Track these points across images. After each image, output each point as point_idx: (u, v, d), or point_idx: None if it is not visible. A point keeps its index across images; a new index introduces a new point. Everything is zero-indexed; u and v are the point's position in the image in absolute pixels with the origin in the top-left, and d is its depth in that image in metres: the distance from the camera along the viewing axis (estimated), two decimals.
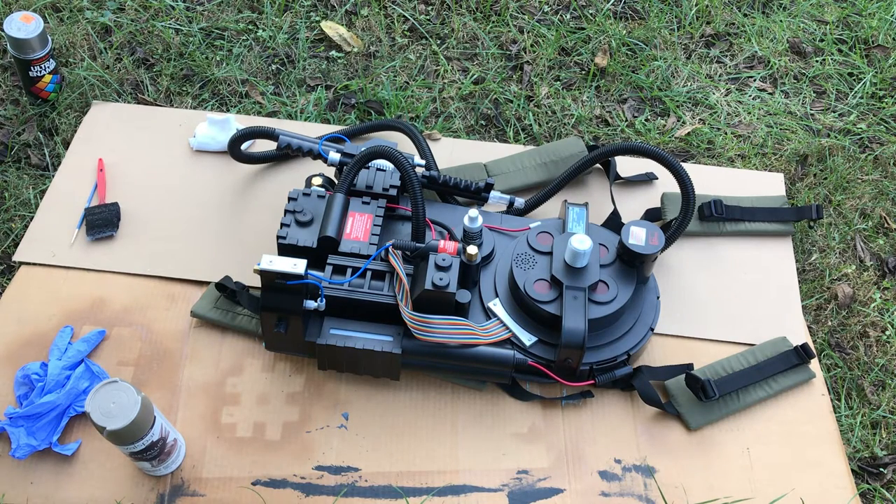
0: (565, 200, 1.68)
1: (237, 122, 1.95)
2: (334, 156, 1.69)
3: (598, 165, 1.87)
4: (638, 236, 1.55)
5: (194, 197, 1.84)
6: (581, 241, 1.50)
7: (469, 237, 1.59)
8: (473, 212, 1.57)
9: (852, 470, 1.55)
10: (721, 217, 1.80)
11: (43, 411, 1.47)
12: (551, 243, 1.59)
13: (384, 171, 1.66)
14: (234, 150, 1.78)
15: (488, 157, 1.90)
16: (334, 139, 1.81)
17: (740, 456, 1.54)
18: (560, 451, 1.54)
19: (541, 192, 1.80)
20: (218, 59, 2.14)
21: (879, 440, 1.60)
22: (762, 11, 2.34)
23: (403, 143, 1.85)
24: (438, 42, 2.23)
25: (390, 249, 1.51)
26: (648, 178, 1.89)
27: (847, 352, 1.72)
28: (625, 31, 2.25)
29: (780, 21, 2.30)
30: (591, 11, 2.31)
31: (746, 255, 1.80)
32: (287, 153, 1.81)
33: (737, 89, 2.15)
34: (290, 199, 1.59)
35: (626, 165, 1.89)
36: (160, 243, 1.76)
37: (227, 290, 1.61)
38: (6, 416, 1.47)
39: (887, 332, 1.73)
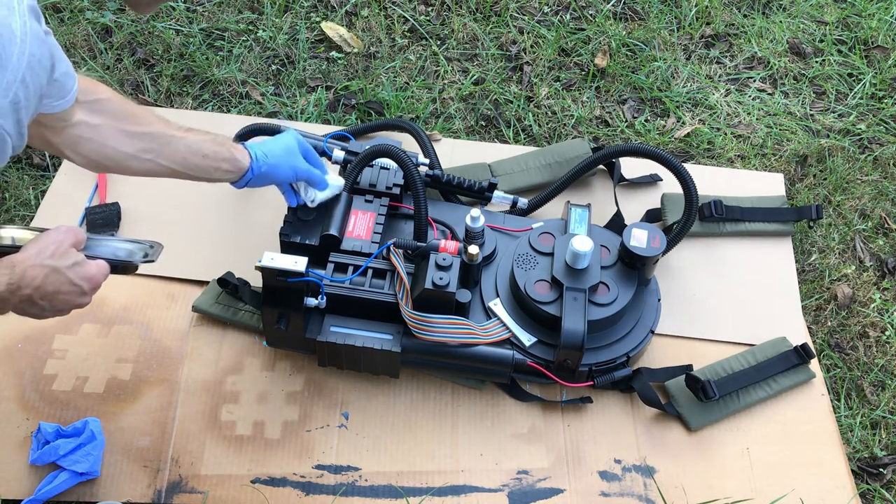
0: (568, 201, 1.69)
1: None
2: (338, 153, 1.69)
3: (602, 167, 1.87)
4: (639, 238, 1.55)
5: (194, 197, 1.84)
6: (582, 243, 1.50)
7: (471, 237, 1.59)
8: (475, 211, 1.58)
9: (852, 470, 1.55)
10: (721, 217, 1.80)
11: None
12: (553, 244, 1.59)
13: (388, 169, 1.67)
14: None
15: (488, 157, 1.91)
16: (339, 137, 1.81)
17: (740, 456, 1.54)
18: (560, 451, 1.54)
19: (544, 192, 1.80)
20: (218, 59, 2.14)
21: (879, 440, 1.60)
22: (762, 12, 2.34)
23: (408, 143, 1.85)
24: (438, 43, 2.23)
25: (391, 248, 1.52)
26: (653, 180, 1.89)
27: (847, 352, 1.72)
28: (625, 32, 2.26)
29: (780, 22, 2.30)
30: (590, 12, 2.31)
31: (746, 256, 1.80)
32: None
33: (736, 90, 2.16)
34: None
35: (631, 167, 1.89)
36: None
37: (230, 286, 1.61)
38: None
39: (887, 333, 1.73)
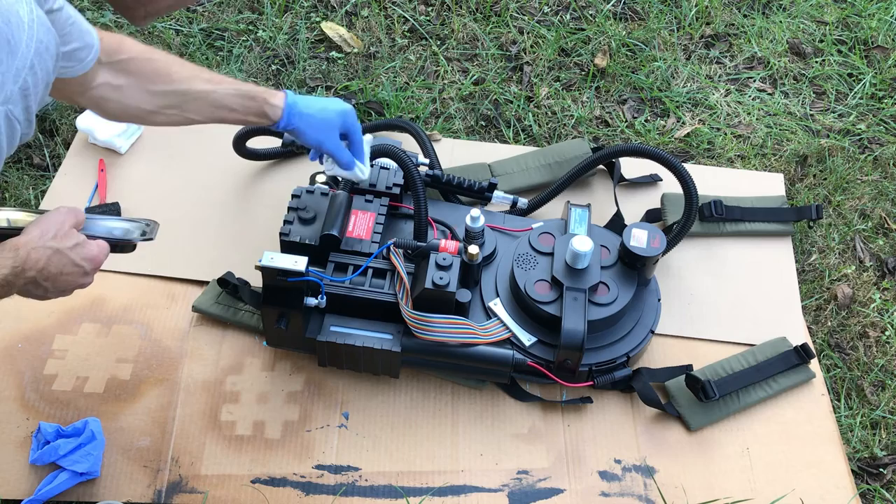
0: (568, 201, 1.69)
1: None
2: None
3: (602, 167, 1.87)
4: (639, 238, 1.55)
5: (194, 197, 1.84)
6: (582, 243, 1.50)
7: (471, 237, 1.59)
8: (475, 211, 1.58)
9: (852, 470, 1.55)
10: (721, 217, 1.80)
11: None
12: (553, 244, 1.59)
13: (388, 169, 1.67)
14: (240, 146, 1.78)
15: (489, 157, 1.91)
16: None
17: (740, 456, 1.54)
18: (560, 451, 1.54)
19: (544, 192, 1.80)
20: (218, 59, 2.14)
21: (879, 440, 1.60)
22: (762, 12, 2.34)
23: (408, 143, 1.85)
24: (438, 43, 2.23)
25: (391, 248, 1.52)
26: (653, 180, 1.89)
27: (847, 352, 1.72)
28: (624, 32, 2.26)
29: (780, 22, 2.30)
30: (590, 12, 2.31)
31: (746, 255, 1.80)
32: (292, 150, 1.81)
33: (736, 90, 2.16)
34: (293, 196, 1.60)
35: (631, 167, 1.89)
36: (160, 243, 1.75)
37: (230, 286, 1.61)
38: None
39: (887, 333, 1.73)
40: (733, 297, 1.74)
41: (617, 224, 1.74)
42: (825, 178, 1.97)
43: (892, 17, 2.31)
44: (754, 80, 2.18)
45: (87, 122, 1.89)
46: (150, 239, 1.29)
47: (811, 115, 2.11)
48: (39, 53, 0.95)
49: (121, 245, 1.26)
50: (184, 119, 1.39)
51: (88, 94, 1.28)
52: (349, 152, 1.51)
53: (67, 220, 1.14)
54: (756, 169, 1.98)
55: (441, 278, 1.46)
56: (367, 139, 1.58)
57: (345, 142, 1.51)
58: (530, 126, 2.05)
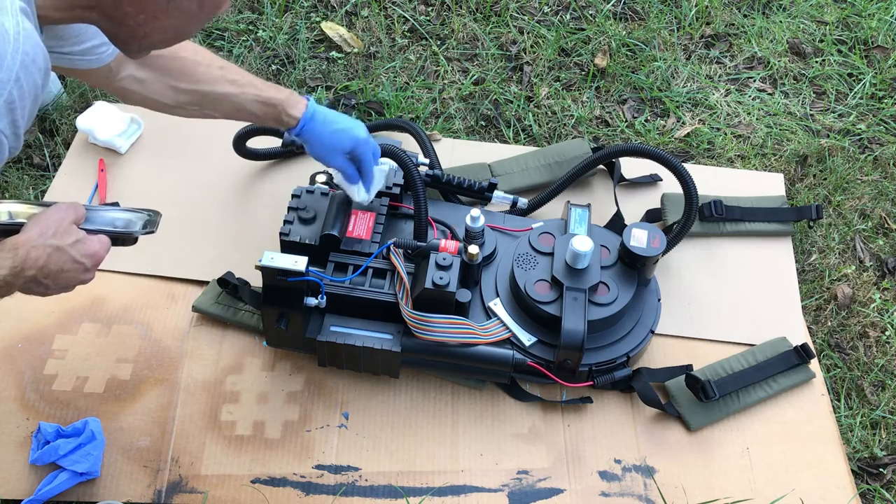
0: (568, 201, 1.69)
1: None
2: None
3: (602, 167, 1.87)
4: (639, 238, 1.55)
5: (195, 196, 1.84)
6: (582, 243, 1.50)
7: (471, 236, 1.59)
8: (475, 211, 1.58)
9: (852, 470, 1.55)
10: (721, 217, 1.80)
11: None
12: (553, 244, 1.59)
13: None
14: (240, 146, 1.78)
15: (489, 157, 1.91)
16: None
17: (740, 456, 1.54)
18: (560, 451, 1.54)
19: (544, 192, 1.80)
20: None
21: (879, 440, 1.60)
22: (762, 12, 2.34)
23: (408, 143, 1.85)
24: (438, 43, 2.23)
25: (391, 248, 1.52)
26: (653, 180, 1.89)
27: (847, 352, 1.72)
28: (624, 32, 2.26)
29: (780, 22, 2.30)
30: (590, 12, 2.31)
31: (746, 255, 1.80)
32: (292, 150, 1.81)
33: (736, 90, 2.16)
34: (293, 196, 1.60)
35: (631, 167, 1.89)
36: (160, 243, 1.75)
37: (230, 286, 1.61)
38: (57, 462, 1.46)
39: (887, 333, 1.73)
40: (733, 297, 1.74)
41: (617, 224, 1.74)
42: (825, 178, 1.97)
43: (892, 17, 2.31)
44: (754, 80, 2.18)
45: (88, 122, 1.89)
46: (152, 232, 1.27)
47: (811, 115, 2.11)
48: (25, 66, 0.94)
49: (122, 238, 1.24)
50: (203, 115, 1.46)
51: (114, 85, 1.37)
52: (354, 169, 1.51)
53: (67, 216, 1.13)
54: (756, 169, 1.98)
55: (441, 278, 1.46)
56: (384, 170, 1.58)
57: (355, 164, 1.52)
58: (530, 126, 2.05)
